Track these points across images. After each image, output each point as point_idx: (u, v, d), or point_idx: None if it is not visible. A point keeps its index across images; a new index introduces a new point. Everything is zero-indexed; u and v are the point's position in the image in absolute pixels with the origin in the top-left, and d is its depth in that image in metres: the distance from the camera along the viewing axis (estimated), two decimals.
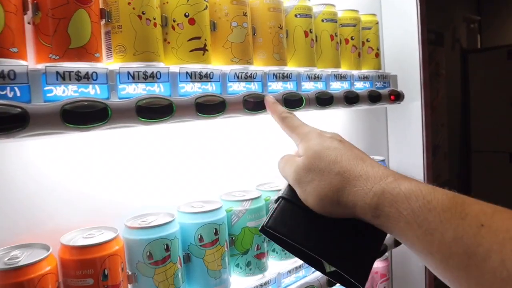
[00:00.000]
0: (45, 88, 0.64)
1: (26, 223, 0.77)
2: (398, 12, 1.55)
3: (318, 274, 1.12)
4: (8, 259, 0.66)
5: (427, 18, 1.53)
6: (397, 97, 1.36)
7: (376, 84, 1.33)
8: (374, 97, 1.26)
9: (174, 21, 0.82)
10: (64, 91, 0.66)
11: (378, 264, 1.41)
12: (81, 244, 0.71)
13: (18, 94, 0.62)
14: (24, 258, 0.67)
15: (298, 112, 1.03)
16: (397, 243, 1.39)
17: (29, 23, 0.69)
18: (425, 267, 1.58)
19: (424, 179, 1.56)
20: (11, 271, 0.63)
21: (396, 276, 1.63)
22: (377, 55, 1.35)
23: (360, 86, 1.26)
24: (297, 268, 1.06)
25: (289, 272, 1.04)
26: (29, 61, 0.67)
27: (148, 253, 0.77)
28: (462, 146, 4.89)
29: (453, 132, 4.70)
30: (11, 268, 0.63)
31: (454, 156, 4.71)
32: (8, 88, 0.60)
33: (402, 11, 1.54)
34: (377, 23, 1.35)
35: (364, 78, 1.27)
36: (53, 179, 0.81)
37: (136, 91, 0.75)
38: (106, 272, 0.71)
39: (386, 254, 1.41)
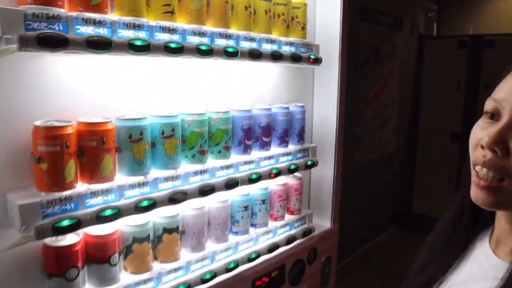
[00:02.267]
0: (76, 27, 1.13)
1: (59, 110, 1.25)
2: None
3: (246, 173, 1.64)
4: (49, 122, 1.14)
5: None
6: (315, 60, 1.88)
7: (300, 50, 1.83)
8: (295, 58, 1.77)
9: None
10: (86, 30, 1.15)
11: (293, 182, 1.95)
12: (91, 121, 1.21)
13: (61, 28, 1.10)
14: (58, 123, 1.15)
15: (235, 61, 1.54)
16: (308, 167, 1.93)
17: None
18: (333, 190, 2.14)
19: (336, 128, 2.09)
20: (50, 128, 1.12)
21: (312, 192, 2.20)
22: (303, 28, 1.86)
23: (286, 49, 1.76)
24: (228, 167, 1.58)
25: (222, 168, 1.56)
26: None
27: (129, 135, 1.28)
28: (411, 123, 5.49)
29: (403, 110, 5.27)
30: (51, 126, 1.12)
31: (402, 131, 5.30)
32: (56, 25, 1.09)
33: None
34: (305, 4, 1.85)
35: (290, 44, 1.78)
36: (76, 85, 1.30)
37: (128, 34, 1.23)
38: (104, 139, 1.21)
39: (299, 174, 1.96)
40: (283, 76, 2.02)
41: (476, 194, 0.79)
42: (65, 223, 1.12)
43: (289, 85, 2.05)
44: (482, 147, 0.77)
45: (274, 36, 1.73)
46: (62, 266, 1.19)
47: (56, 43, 1.05)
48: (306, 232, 2.00)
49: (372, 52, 4.24)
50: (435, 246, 0.99)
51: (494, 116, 0.79)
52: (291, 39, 1.80)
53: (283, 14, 1.75)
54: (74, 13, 1.13)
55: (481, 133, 0.80)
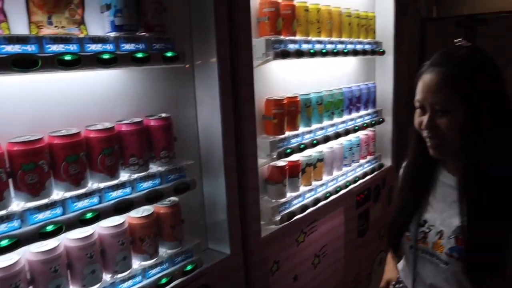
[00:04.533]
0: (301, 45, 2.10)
1: (277, 90, 2.21)
2: (384, 8, 3.03)
3: (351, 126, 2.63)
4: (275, 97, 2.11)
5: None
6: (382, 52, 2.87)
7: (373, 46, 2.81)
8: (363, 52, 2.74)
9: None
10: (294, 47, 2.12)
11: (371, 133, 2.95)
12: (292, 96, 2.18)
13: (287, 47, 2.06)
14: (280, 98, 2.12)
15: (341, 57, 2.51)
16: (379, 123, 2.93)
17: None
18: (392, 140, 3.14)
19: (392, 98, 3.08)
20: (279, 99, 2.09)
21: (378, 141, 3.20)
22: (374, 32, 2.84)
23: (359, 47, 2.73)
24: (343, 122, 2.57)
25: (341, 122, 2.55)
26: None
27: (304, 103, 2.25)
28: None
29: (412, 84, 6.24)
30: (278, 98, 2.09)
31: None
32: (282, 45, 2.05)
33: (386, 8, 3.02)
34: (374, 17, 2.83)
35: (369, 44, 2.76)
36: (284, 75, 2.25)
37: (304, 46, 2.20)
38: (296, 106, 2.18)
39: (373, 128, 2.95)
40: (355, 63, 3.00)
41: (432, 152, 1.29)
42: (288, 151, 2.11)
43: (360, 69, 3.04)
44: (422, 128, 1.27)
45: (361, 39, 2.71)
46: (279, 177, 2.17)
47: (288, 54, 2.02)
48: (380, 166, 3.02)
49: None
50: (406, 187, 1.46)
51: (422, 108, 1.27)
52: (369, 40, 2.78)
53: (364, 25, 2.73)
54: (289, 37, 2.08)
55: (419, 118, 1.28)
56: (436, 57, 1.28)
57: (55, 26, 1.34)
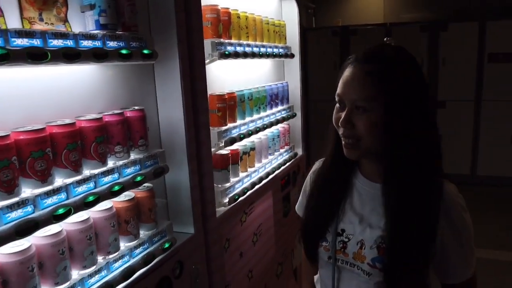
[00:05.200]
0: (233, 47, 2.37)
1: (217, 86, 2.45)
2: (290, 17, 3.48)
3: (274, 119, 3.00)
4: (218, 92, 2.36)
5: None
6: (292, 55, 3.31)
7: (285, 50, 3.23)
8: (279, 55, 3.16)
9: None
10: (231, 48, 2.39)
11: (286, 126, 3.37)
12: (232, 91, 2.45)
13: (228, 49, 2.33)
14: (220, 93, 2.37)
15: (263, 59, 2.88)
16: (292, 117, 3.37)
17: None
18: (302, 132, 3.61)
19: (300, 94, 3.55)
20: (221, 95, 2.34)
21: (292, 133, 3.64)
22: (285, 38, 3.26)
23: (276, 51, 3.14)
24: (267, 115, 2.92)
25: (267, 115, 2.90)
26: None
27: (240, 98, 2.54)
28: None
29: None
30: (221, 94, 2.35)
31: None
32: (223, 47, 2.31)
33: (291, 18, 3.47)
34: (285, 25, 3.25)
35: (282, 48, 3.17)
36: (219, 73, 2.49)
37: (237, 49, 2.49)
38: (233, 101, 2.46)
39: (287, 122, 3.38)
40: (270, 64, 3.40)
41: (347, 153, 1.20)
42: (231, 140, 2.38)
43: (273, 70, 3.45)
44: (339, 125, 1.19)
45: (276, 43, 3.10)
46: (223, 164, 2.43)
47: (229, 55, 2.29)
48: (295, 155, 3.46)
49: None
50: (319, 192, 1.36)
51: (342, 104, 1.18)
52: (282, 45, 3.20)
53: (278, 31, 3.14)
54: (227, 40, 2.36)
55: (337, 115, 1.20)
56: (361, 53, 1.20)
57: (46, 23, 1.43)
